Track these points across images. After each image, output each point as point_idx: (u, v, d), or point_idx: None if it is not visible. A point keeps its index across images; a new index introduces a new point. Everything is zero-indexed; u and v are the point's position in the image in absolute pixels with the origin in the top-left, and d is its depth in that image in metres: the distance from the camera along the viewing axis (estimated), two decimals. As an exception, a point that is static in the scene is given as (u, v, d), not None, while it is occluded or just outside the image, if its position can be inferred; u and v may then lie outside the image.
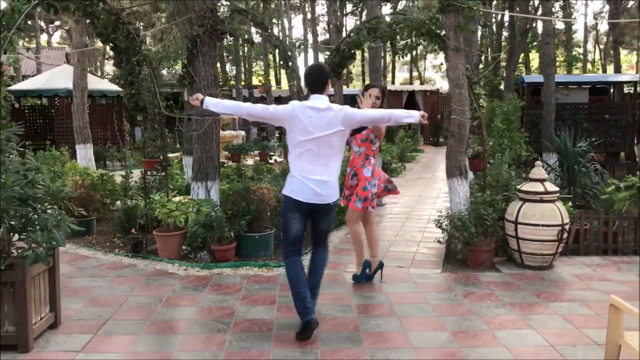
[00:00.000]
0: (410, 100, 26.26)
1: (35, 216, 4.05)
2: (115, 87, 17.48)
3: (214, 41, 7.18)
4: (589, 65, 36.52)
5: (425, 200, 11.04)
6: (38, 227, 3.99)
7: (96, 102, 19.00)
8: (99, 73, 30.57)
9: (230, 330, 4.47)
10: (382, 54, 17.46)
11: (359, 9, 29.81)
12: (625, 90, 18.02)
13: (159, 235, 6.56)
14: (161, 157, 6.92)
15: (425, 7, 24.13)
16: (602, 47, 39.16)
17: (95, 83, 17.15)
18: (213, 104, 4.45)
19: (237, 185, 6.71)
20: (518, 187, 6.46)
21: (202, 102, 4.44)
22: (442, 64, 38.37)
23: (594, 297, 5.29)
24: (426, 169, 17.02)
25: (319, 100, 4.35)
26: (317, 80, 4.42)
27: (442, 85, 33.13)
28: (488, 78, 16.57)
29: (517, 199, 6.40)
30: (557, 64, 28.44)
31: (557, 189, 6.30)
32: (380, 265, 5.83)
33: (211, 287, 5.59)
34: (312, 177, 4.29)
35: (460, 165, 6.65)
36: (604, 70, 36.04)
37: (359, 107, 5.39)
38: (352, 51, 7.38)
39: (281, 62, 7.40)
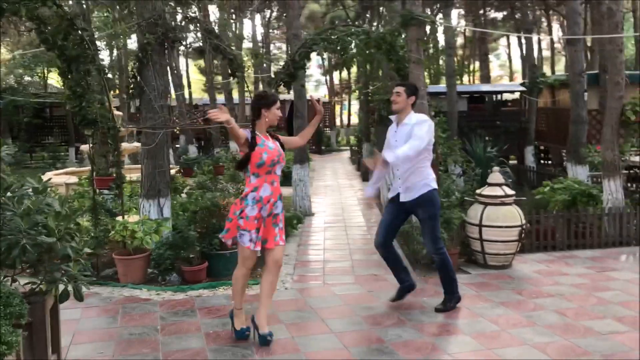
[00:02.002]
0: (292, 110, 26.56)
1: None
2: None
3: (164, 49, 6.79)
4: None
5: (349, 208, 11.24)
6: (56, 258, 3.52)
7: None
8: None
9: (258, 356, 4.25)
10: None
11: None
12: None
13: (120, 259, 6.05)
14: (114, 174, 6.39)
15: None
16: (458, 58, 42.34)
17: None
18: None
19: (204, 201, 6.37)
20: (478, 191, 6.83)
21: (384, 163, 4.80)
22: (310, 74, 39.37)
23: (567, 291, 5.72)
24: (324, 176, 17.31)
25: None
26: None
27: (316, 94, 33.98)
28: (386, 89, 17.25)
29: (477, 203, 6.76)
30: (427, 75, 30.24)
31: (513, 192, 6.75)
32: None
33: (200, 310, 5.26)
34: None
35: (422, 172, 6.86)
36: (462, 80, 38.97)
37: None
38: (303, 61, 7.35)
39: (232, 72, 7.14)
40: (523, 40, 17.56)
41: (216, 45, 6.91)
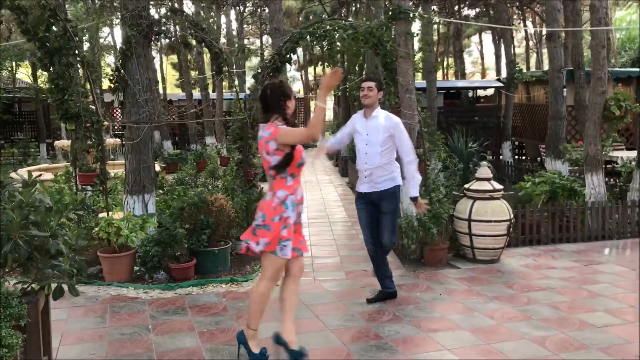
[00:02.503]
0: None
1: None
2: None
3: (149, 42, 6.63)
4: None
5: (331, 203, 11.17)
6: (50, 254, 3.37)
7: None
8: None
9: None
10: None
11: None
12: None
13: (105, 257, 5.88)
14: (98, 170, 6.21)
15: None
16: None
17: None
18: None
19: (191, 197, 6.24)
20: (466, 186, 6.83)
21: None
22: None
23: (557, 285, 5.76)
24: (303, 172, 17.19)
25: None
26: None
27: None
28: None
29: (465, 198, 6.76)
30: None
31: (501, 186, 6.77)
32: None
33: (191, 309, 5.14)
34: None
35: (410, 167, 6.83)
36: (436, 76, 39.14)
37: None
38: (289, 55, 7.26)
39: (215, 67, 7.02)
40: (498, 37, 17.75)
41: (202, 39, 6.76)
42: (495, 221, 6.48)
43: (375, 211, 5.21)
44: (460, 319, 4.84)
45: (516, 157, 18.31)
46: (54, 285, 3.33)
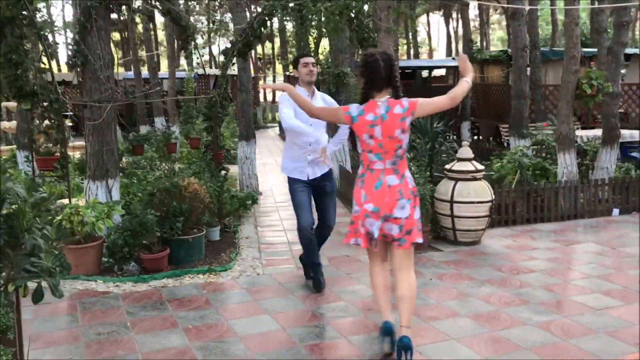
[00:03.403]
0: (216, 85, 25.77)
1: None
2: None
3: (110, 13, 6.11)
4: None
5: (295, 186, 10.87)
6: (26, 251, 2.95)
7: None
8: None
9: (255, 352, 3.85)
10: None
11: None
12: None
13: (70, 248, 5.39)
14: (58, 153, 5.67)
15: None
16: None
17: None
18: None
19: (162, 182, 5.80)
20: (447, 166, 6.65)
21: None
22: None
23: (545, 266, 5.66)
24: (259, 154, 16.63)
25: None
26: None
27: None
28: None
29: (446, 179, 6.59)
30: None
31: (483, 167, 6.63)
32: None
33: (171, 303, 4.76)
34: None
35: (389, 148, 6.60)
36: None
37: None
38: (260, 30, 6.85)
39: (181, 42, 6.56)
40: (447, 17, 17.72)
41: (168, 10, 6.28)
42: (477, 202, 6.34)
43: (314, 193, 5.04)
44: (458, 305, 4.66)
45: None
46: (32, 286, 2.92)
